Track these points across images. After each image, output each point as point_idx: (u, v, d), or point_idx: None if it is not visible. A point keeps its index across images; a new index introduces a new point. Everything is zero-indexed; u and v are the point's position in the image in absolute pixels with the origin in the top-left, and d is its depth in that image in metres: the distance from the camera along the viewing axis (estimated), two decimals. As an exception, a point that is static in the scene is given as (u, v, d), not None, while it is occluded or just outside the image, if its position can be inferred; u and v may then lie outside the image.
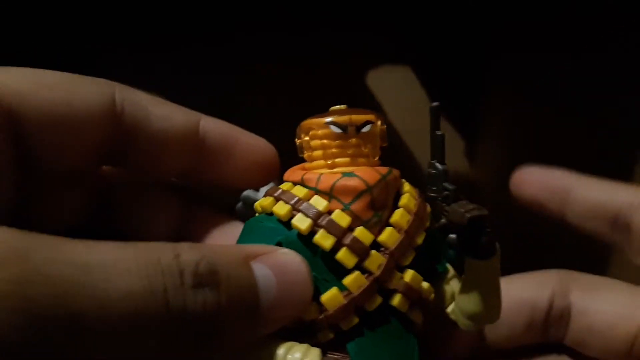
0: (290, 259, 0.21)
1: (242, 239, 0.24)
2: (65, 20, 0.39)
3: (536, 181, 0.30)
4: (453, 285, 0.24)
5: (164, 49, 0.40)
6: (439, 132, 0.23)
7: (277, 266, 0.21)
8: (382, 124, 0.24)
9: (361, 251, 0.22)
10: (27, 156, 0.23)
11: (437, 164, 0.23)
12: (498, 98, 0.41)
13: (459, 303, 0.24)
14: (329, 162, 0.24)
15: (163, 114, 0.25)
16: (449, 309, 0.24)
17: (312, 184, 0.23)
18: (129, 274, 0.16)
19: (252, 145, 0.26)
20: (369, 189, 0.22)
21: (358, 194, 0.22)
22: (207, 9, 0.40)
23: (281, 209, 0.23)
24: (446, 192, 0.23)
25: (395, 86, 0.42)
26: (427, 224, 0.23)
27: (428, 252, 0.23)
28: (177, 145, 0.25)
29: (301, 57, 0.40)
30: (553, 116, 0.36)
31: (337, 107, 0.25)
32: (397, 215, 0.23)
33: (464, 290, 0.23)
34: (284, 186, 0.24)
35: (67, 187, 0.26)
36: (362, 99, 0.41)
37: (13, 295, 0.14)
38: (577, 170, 0.35)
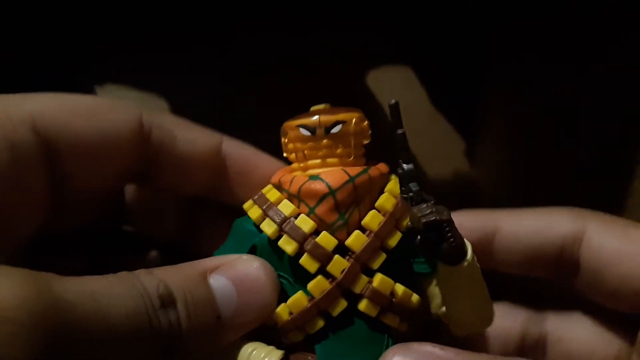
0: (248, 267, 0.22)
1: (228, 239, 0.25)
2: (65, 20, 0.39)
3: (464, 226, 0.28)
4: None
5: (164, 49, 0.40)
6: (400, 131, 0.22)
7: (236, 276, 0.22)
8: (361, 122, 0.24)
9: (322, 256, 0.22)
10: (61, 180, 0.24)
11: (403, 164, 0.22)
12: (498, 98, 0.41)
13: (446, 309, 0.23)
14: (302, 164, 0.24)
15: (188, 137, 0.27)
16: (440, 312, 0.24)
17: (287, 186, 0.23)
18: (123, 299, 0.18)
19: (270, 169, 0.27)
20: (331, 192, 0.22)
21: (321, 198, 0.22)
22: (207, 9, 0.40)
23: (254, 212, 0.23)
24: (411, 194, 0.22)
25: (395, 86, 0.42)
26: (405, 224, 0.23)
27: (405, 254, 0.23)
28: (200, 166, 0.27)
29: (301, 57, 0.40)
30: (553, 117, 0.36)
31: (318, 106, 0.25)
32: (368, 217, 0.22)
33: (447, 295, 0.23)
34: (265, 189, 0.24)
35: (92, 203, 0.27)
36: (362, 99, 0.41)
37: (43, 319, 0.16)
38: (578, 171, 0.35)
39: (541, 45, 0.36)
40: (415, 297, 0.23)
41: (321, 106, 0.25)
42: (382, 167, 0.24)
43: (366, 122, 0.24)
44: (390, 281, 0.22)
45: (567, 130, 0.35)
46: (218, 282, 0.21)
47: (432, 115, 0.42)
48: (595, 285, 0.25)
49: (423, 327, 0.24)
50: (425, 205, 0.21)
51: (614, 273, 0.24)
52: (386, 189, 0.23)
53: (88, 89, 0.40)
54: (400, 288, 0.23)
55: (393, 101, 0.22)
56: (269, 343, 0.23)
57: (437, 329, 0.24)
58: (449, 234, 0.21)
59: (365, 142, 0.24)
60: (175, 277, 0.20)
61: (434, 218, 0.21)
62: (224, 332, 0.21)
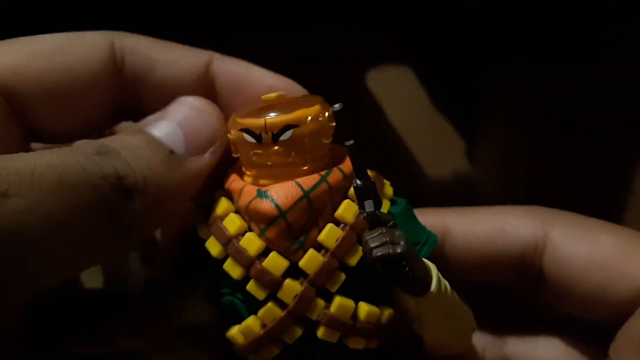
0: (187, 105, 0.21)
1: None
2: (64, 20, 0.39)
3: None
4: None
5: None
6: (348, 142, 0.18)
7: (177, 117, 0.21)
8: (318, 118, 0.20)
9: (271, 283, 0.19)
10: (33, 129, 0.22)
11: (357, 179, 0.19)
12: (498, 98, 0.41)
13: (420, 328, 0.21)
14: (248, 172, 0.21)
15: (168, 59, 0.23)
16: (415, 326, 0.21)
17: (236, 197, 0.20)
18: (50, 155, 0.17)
19: (266, 82, 0.23)
20: (281, 215, 0.19)
21: (270, 221, 0.19)
22: (205, 9, 0.40)
23: (202, 229, 0.21)
24: (364, 214, 0.19)
25: (395, 86, 0.42)
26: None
27: (369, 271, 0.19)
28: (186, 91, 0.23)
29: (300, 57, 0.40)
30: (553, 117, 0.36)
31: (269, 95, 0.21)
32: (324, 233, 0.19)
33: (419, 317, 0.21)
34: (217, 194, 0.21)
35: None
36: (362, 99, 0.41)
37: None
38: (578, 170, 0.35)
39: (541, 45, 0.36)
40: (386, 313, 0.20)
41: (272, 95, 0.21)
42: (347, 165, 0.20)
43: (326, 116, 0.20)
44: (351, 304, 0.19)
45: (567, 130, 0.35)
46: (158, 128, 0.20)
47: (432, 115, 0.42)
48: (562, 296, 0.23)
49: (398, 339, 0.22)
50: (379, 232, 0.18)
51: (583, 285, 0.22)
52: (349, 193, 0.20)
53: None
54: (364, 309, 0.20)
55: (337, 106, 0.18)
56: None
57: (414, 340, 0.22)
58: (406, 268, 0.18)
59: (326, 141, 0.20)
60: (111, 138, 0.19)
61: (384, 253, 0.18)
62: (183, 164, 0.20)
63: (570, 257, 0.22)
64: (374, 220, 0.19)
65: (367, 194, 0.18)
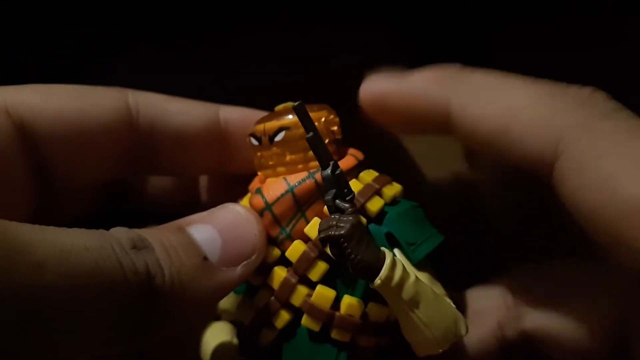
0: (229, 213, 0.21)
1: None
2: (62, 21, 0.39)
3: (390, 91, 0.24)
4: None
5: (160, 50, 0.40)
6: (309, 134, 0.20)
7: (217, 222, 0.20)
8: (317, 123, 0.21)
9: (263, 270, 0.22)
10: (44, 168, 0.22)
11: (321, 170, 0.21)
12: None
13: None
14: (260, 172, 0.24)
15: (180, 109, 0.24)
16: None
17: (251, 195, 0.23)
18: (83, 235, 0.17)
19: None
20: (268, 207, 0.22)
21: (260, 213, 0.22)
22: (204, 9, 0.40)
23: None
24: (328, 203, 0.21)
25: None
26: None
27: None
28: (200, 139, 0.24)
29: (300, 58, 0.40)
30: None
31: (283, 105, 0.24)
32: (310, 225, 0.22)
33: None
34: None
35: (87, 192, 0.25)
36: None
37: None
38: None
39: (541, 45, 0.36)
40: (375, 308, 0.22)
41: (287, 104, 0.23)
42: (345, 162, 0.23)
43: (322, 120, 0.22)
44: (331, 294, 0.21)
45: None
46: (198, 230, 0.20)
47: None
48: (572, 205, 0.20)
49: (397, 340, 0.22)
50: (334, 216, 0.20)
51: (607, 230, 0.19)
52: None
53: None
54: (345, 301, 0.21)
55: (296, 103, 0.21)
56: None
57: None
58: (348, 250, 0.19)
59: (339, 136, 0.23)
60: (150, 231, 0.19)
61: (324, 235, 0.19)
62: (214, 274, 0.20)
63: (581, 195, 0.19)
64: (332, 208, 0.20)
65: (331, 183, 0.20)
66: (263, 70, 0.40)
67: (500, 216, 0.41)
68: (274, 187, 0.22)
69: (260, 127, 0.22)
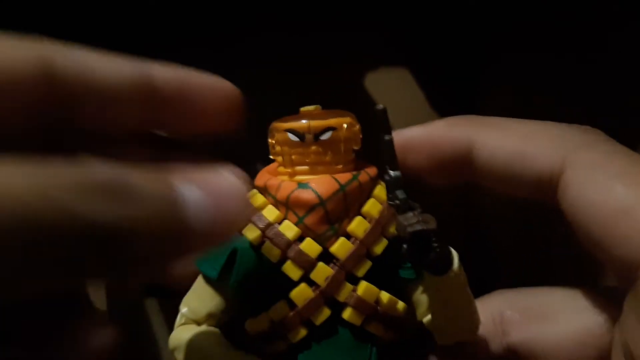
0: (225, 181, 0.19)
1: None
2: (61, 21, 0.39)
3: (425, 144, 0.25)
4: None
5: (160, 51, 0.40)
6: (387, 137, 0.22)
7: (209, 188, 0.19)
8: (352, 127, 0.23)
9: (306, 264, 0.22)
10: None
11: (390, 170, 0.22)
12: (497, 99, 0.41)
13: (431, 317, 0.23)
14: (289, 169, 0.23)
15: (107, 67, 0.23)
16: (425, 319, 0.23)
17: (273, 192, 0.23)
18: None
19: (209, 86, 0.23)
20: (321, 203, 0.22)
21: (311, 208, 0.22)
22: (203, 10, 0.40)
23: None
24: (397, 201, 0.22)
25: (393, 88, 0.42)
26: (392, 231, 0.22)
27: (390, 261, 0.23)
28: (128, 98, 0.23)
29: (298, 59, 0.40)
30: (552, 117, 0.36)
31: (308, 107, 0.24)
32: (354, 224, 0.22)
33: (433, 304, 0.23)
34: (250, 193, 0.23)
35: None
36: (360, 101, 0.41)
37: None
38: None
39: (541, 45, 0.36)
40: (400, 305, 0.23)
41: (311, 108, 0.24)
42: (371, 170, 0.23)
43: (357, 127, 0.23)
44: (375, 289, 0.22)
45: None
46: (188, 191, 0.18)
47: (430, 117, 0.42)
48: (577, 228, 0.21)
49: (409, 334, 0.24)
50: (411, 213, 0.21)
51: (599, 228, 0.20)
52: (373, 194, 0.23)
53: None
54: (385, 296, 0.22)
55: (381, 106, 0.22)
56: (252, 352, 0.22)
57: (424, 337, 0.24)
58: (436, 244, 0.20)
59: (356, 147, 0.23)
60: (136, 174, 0.17)
61: (420, 228, 0.20)
62: (191, 234, 0.18)
63: (579, 202, 0.21)
64: (405, 206, 0.21)
65: (400, 184, 0.22)
66: (262, 72, 0.40)
67: (500, 219, 0.41)
68: (325, 183, 0.22)
69: (303, 125, 0.22)
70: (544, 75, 0.36)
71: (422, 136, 0.25)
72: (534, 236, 0.39)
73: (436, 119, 0.42)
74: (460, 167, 0.24)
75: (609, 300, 0.23)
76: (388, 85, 0.42)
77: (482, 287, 0.26)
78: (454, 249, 0.22)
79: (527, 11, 0.37)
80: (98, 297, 0.41)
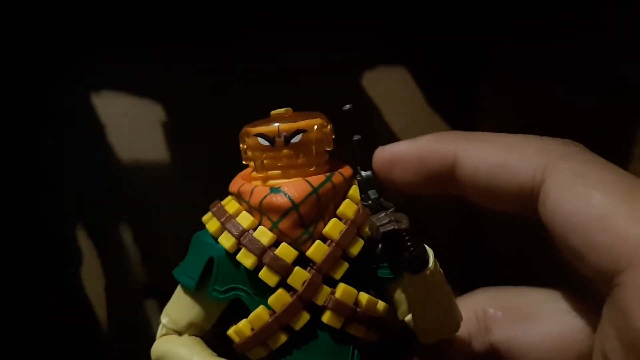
0: None
1: (188, 253, 0.24)
2: (60, 22, 0.39)
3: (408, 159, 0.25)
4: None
5: (159, 53, 0.40)
6: (356, 137, 0.22)
7: None
8: (323, 128, 0.23)
9: (282, 269, 0.21)
10: None
11: (361, 171, 0.22)
12: (495, 99, 0.41)
13: (412, 315, 0.23)
14: (262, 174, 0.23)
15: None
16: (407, 318, 0.23)
17: (247, 197, 0.22)
18: None
19: None
20: (294, 207, 0.21)
21: (284, 213, 0.22)
22: (203, 12, 0.40)
23: (213, 225, 0.23)
24: (369, 202, 0.22)
25: (392, 87, 0.42)
26: (366, 231, 0.22)
27: (368, 261, 0.23)
28: None
29: (297, 60, 0.40)
30: (552, 117, 0.36)
31: (278, 110, 0.23)
32: (329, 226, 0.22)
33: (412, 303, 0.23)
34: (224, 200, 0.24)
35: None
36: (358, 101, 0.41)
37: None
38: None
39: (540, 45, 0.36)
40: (381, 305, 0.23)
41: (282, 110, 0.23)
42: (346, 171, 0.23)
43: (329, 127, 0.23)
44: (354, 291, 0.22)
45: (567, 131, 0.35)
46: None
47: (429, 116, 0.42)
48: (560, 249, 0.22)
49: (391, 334, 0.24)
50: (383, 213, 0.21)
51: (577, 236, 0.20)
52: (348, 194, 0.23)
53: (81, 95, 0.40)
54: (364, 297, 0.22)
55: (347, 106, 0.21)
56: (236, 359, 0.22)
57: (405, 336, 0.24)
58: (409, 243, 0.20)
59: (328, 148, 0.23)
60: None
61: (392, 228, 0.20)
62: None
63: (558, 210, 0.21)
64: (378, 206, 0.21)
65: (371, 184, 0.22)
66: (262, 73, 0.40)
67: (500, 219, 0.41)
68: (297, 187, 0.22)
69: (272, 128, 0.22)
70: (544, 75, 0.36)
71: (408, 151, 0.25)
72: (534, 236, 0.39)
73: (435, 119, 0.42)
74: (446, 182, 0.24)
75: (592, 305, 0.23)
76: (387, 85, 0.42)
77: (482, 287, 0.27)
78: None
79: (527, 11, 0.37)
80: (98, 297, 0.41)
